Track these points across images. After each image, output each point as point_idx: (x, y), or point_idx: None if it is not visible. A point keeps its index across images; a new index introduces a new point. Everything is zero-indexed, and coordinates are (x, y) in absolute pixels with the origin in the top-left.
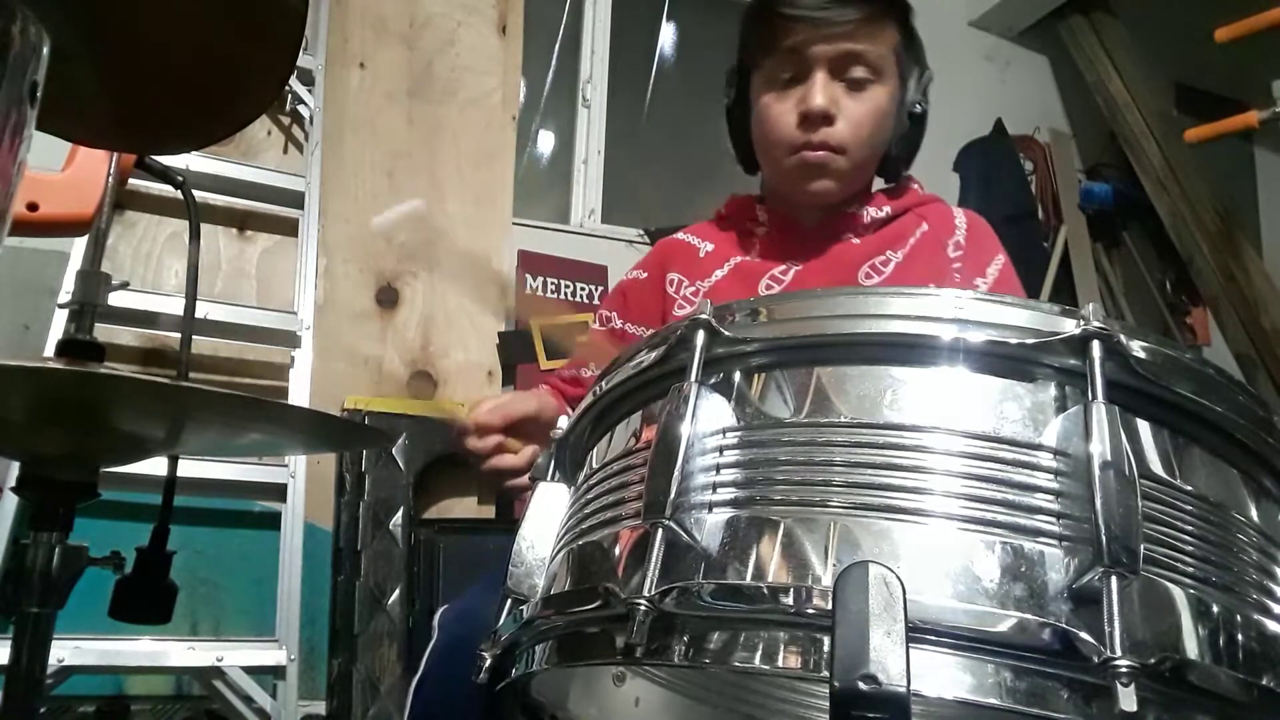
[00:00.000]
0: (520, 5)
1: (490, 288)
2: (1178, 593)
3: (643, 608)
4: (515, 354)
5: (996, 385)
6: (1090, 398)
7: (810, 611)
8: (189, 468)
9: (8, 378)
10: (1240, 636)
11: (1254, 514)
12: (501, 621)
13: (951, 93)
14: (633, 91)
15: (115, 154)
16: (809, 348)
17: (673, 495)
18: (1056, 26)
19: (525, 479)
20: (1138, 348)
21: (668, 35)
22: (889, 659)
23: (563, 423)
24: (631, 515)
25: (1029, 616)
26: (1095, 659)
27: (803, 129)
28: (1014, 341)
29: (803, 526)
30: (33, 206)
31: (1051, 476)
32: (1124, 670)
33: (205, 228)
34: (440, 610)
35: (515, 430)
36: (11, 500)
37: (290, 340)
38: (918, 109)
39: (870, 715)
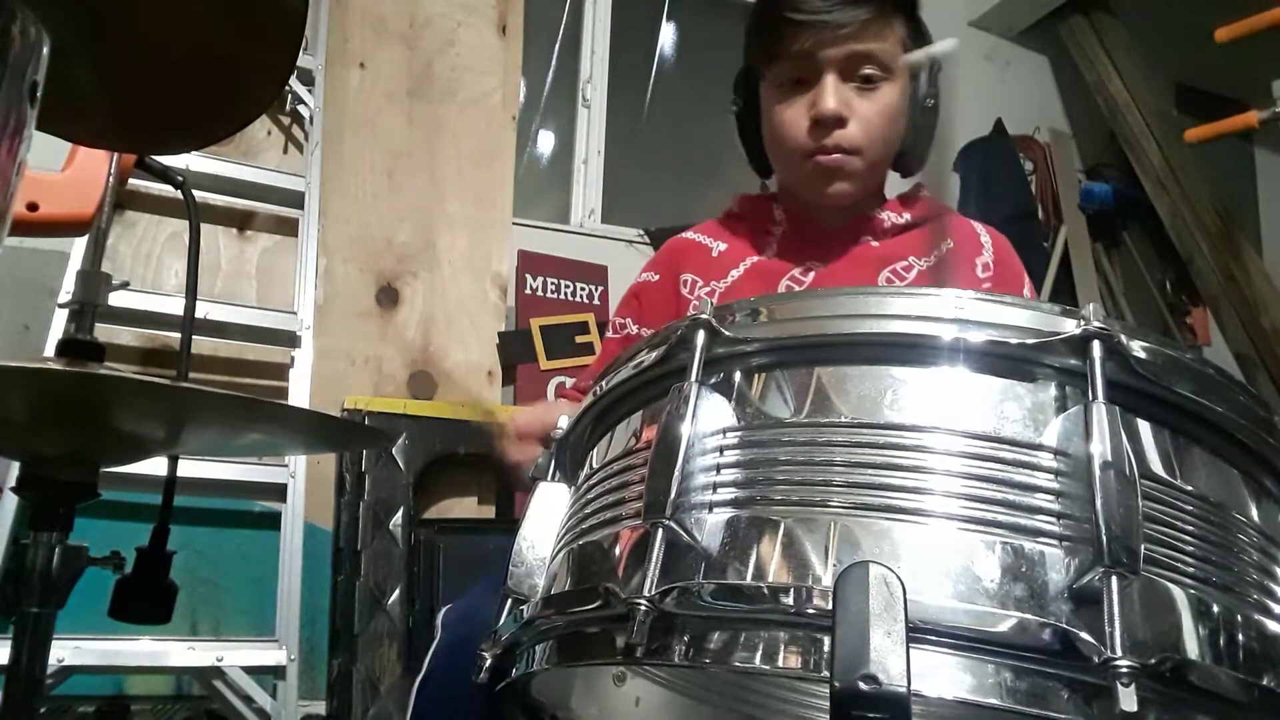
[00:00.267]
0: (520, 5)
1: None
2: (1178, 593)
3: (643, 608)
4: (515, 354)
5: (997, 385)
6: (1090, 398)
7: (810, 611)
8: (189, 468)
9: (8, 378)
10: (1240, 636)
11: (1254, 514)
12: (502, 621)
13: (951, 93)
14: (633, 91)
15: (115, 154)
16: (809, 348)
17: (673, 495)
18: (1056, 26)
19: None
20: (1138, 348)
21: (668, 35)
22: (889, 659)
23: (563, 423)
24: (632, 515)
25: (1029, 616)
26: (1095, 659)
27: (815, 133)
28: (1014, 341)
29: (803, 526)
30: (33, 206)
31: (1052, 476)
32: (1124, 670)
33: (205, 228)
34: (443, 609)
35: (547, 442)
36: (11, 500)
37: (290, 340)
38: (929, 102)
39: (870, 715)
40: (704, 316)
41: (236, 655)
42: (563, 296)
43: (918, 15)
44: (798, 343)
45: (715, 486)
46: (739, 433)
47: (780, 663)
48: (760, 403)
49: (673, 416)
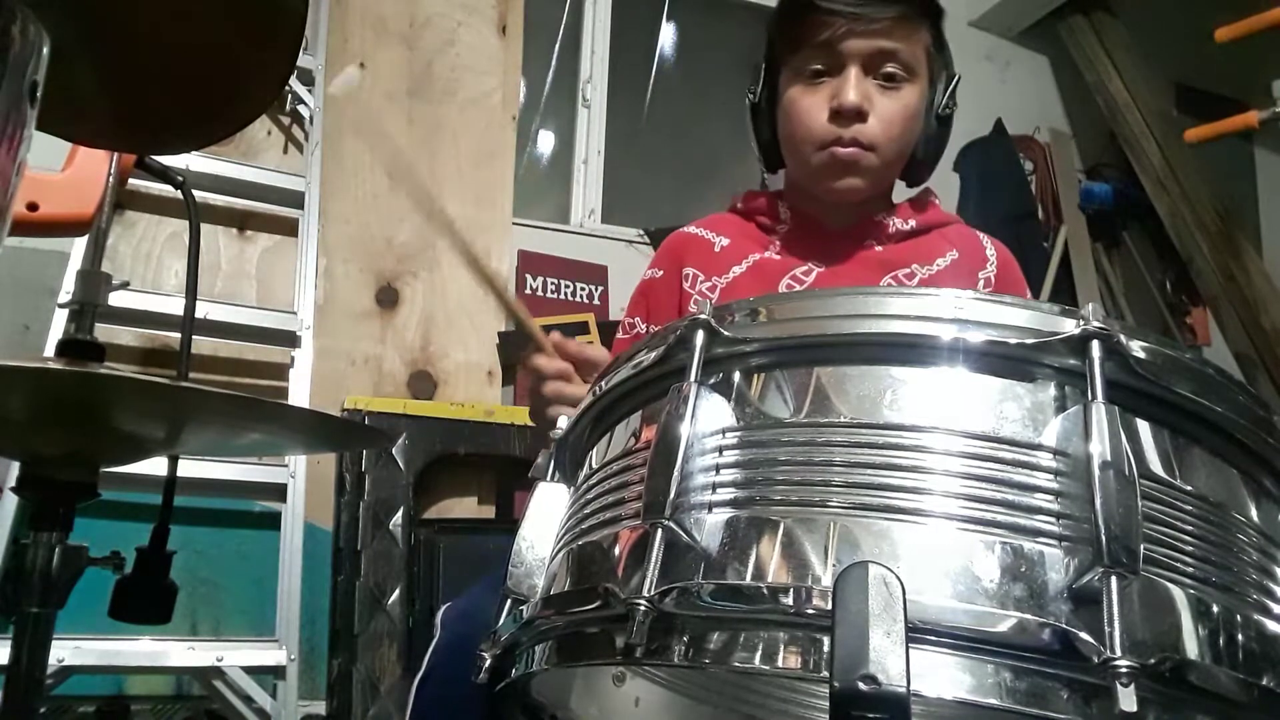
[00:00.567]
0: (520, 5)
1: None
2: (1178, 593)
3: (642, 608)
4: (515, 354)
5: (996, 385)
6: (1090, 398)
7: (810, 611)
8: (189, 468)
9: (8, 378)
10: (1240, 636)
11: (1254, 514)
12: (501, 621)
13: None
14: (633, 91)
15: (115, 154)
16: (809, 348)
17: (672, 495)
18: (1056, 26)
19: (567, 410)
20: (1138, 348)
21: (668, 35)
22: (889, 659)
23: (562, 423)
24: (631, 515)
25: (1029, 616)
26: (1095, 659)
27: (834, 124)
28: (1014, 341)
29: (802, 526)
30: (33, 206)
31: (1051, 476)
32: (1124, 670)
33: (205, 228)
34: (443, 608)
35: (581, 370)
36: (11, 500)
37: (290, 340)
38: (945, 111)
39: (870, 715)
40: (703, 316)
41: (236, 655)
42: (563, 296)
43: (942, 25)
44: (797, 343)
45: (714, 487)
46: (738, 433)
47: (780, 663)
48: (759, 403)
49: (672, 416)
